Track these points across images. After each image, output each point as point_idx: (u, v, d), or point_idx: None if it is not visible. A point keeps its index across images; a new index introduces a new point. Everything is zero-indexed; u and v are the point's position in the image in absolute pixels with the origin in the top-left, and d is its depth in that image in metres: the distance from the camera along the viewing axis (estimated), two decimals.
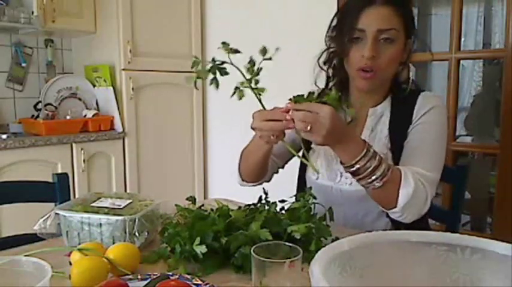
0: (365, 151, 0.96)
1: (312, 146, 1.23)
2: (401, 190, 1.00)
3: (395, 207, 1.02)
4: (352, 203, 1.16)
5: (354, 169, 0.97)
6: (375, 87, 1.14)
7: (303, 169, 1.28)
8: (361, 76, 1.09)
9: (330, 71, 1.21)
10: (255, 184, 1.26)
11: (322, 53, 1.19)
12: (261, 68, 0.95)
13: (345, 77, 1.19)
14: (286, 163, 1.31)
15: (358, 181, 1.00)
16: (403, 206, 1.00)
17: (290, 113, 0.93)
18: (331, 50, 1.18)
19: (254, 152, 1.16)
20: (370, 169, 0.96)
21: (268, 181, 1.28)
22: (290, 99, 0.96)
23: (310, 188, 1.04)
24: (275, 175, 1.32)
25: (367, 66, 1.07)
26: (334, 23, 1.16)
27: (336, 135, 0.93)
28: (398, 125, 1.14)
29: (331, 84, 1.23)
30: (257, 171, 1.21)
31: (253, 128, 1.00)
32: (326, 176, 1.19)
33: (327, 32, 1.18)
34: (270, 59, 0.92)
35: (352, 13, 1.09)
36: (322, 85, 1.23)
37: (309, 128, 0.90)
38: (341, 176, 1.17)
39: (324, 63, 1.20)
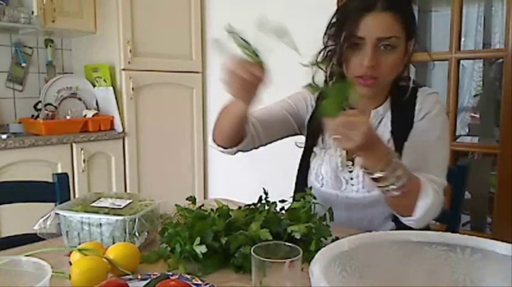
0: (391, 159, 0.94)
1: (315, 150, 1.21)
2: (420, 201, 0.99)
3: (411, 216, 1.01)
4: (358, 209, 1.14)
5: (377, 176, 0.94)
6: (378, 91, 1.12)
7: (302, 174, 1.24)
8: (361, 83, 1.06)
9: (328, 70, 1.18)
10: (226, 149, 1.15)
11: (321, 51, 1.17)
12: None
13: (344, 77, 1.15)
14: (271, 141, 1.23)
15: (377, 186, 0.98)
16: (420, 217, 1.00)
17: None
18: (329, 48, 1.15)
19: (229, 110, 1.07)
20: (393, 178, 0.94)
21: (244, 151, 1.18)
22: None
23: (311, 188, 1.04)
24: (275, 175, 1.31)
25: (368, 75, 1.04)
26: (332, 22, 1.14)
27: (367, 143, 0.89)
28: (400, 127, 1.13)
29: (330, 83, 1.19)
30: (230, 133, 1.11)
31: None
32: (331, 185, 1.16)
33: (326, 30, 1.16)
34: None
35: (351, 19, 1.04)
36: (319, 83, 1.21)
37: (343, 138, 0.88)
38: (347, 183, 1.15)
39: (322, 61, 1.17)
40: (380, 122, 1.16)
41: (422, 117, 1.11)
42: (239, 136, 1.12)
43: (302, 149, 1.26)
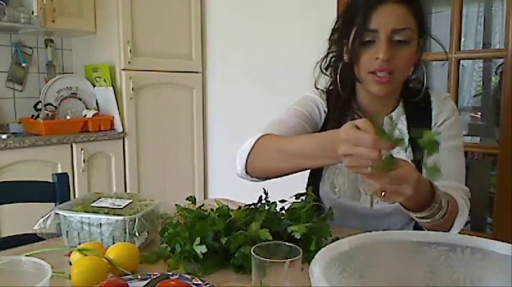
0: (435, 197, 0.87)
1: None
2: (457, 220, 0.96)
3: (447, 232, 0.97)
4: (376, 219, 1.11)
5: (421, 215, 0.89)
6: (392, 91, 1.07)
7: (313, 183, 1.16)
8: (376, 80, 1.01)
9: (333, 75, 1.13)
10: (258, 181, 1.07)
11: (324, 57, 1.13)
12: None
13: (351, 83, 1.11)
14: None
15: (418, 218, 0.91)
16: (455, 232, 0.97)
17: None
18: (333, 54, 1.11)
19: (293, 161, 0.95)
20: (437, 210, 0.89)
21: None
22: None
23: (311, 188, 1.04)
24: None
25: (383, 68, 0.99)
26: (337, 25, 1.09)
27: (415, 191, 0.81)
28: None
29: (337, 89, 1.14)
30: (277, 174, 1.01)
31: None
32: (349, 195, 1.12)
33: (330, 36, 1.11)
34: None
35: (362, 13, 0.99)
36: (322, 88, 1.18)
37: (392, 193, 0.79)
38: (366, 194, 1.10)
39: (326, 68, 1.13)
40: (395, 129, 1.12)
41: (441, 123, 1.08)
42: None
43: None
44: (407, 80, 1.11)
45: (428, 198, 0.87)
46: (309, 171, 1.21)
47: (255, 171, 1.03)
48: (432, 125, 1.09)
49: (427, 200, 0.87)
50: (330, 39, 1.12)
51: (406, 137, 1.07)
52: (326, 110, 1.16)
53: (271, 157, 0.99)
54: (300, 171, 0.99)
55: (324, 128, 1.14)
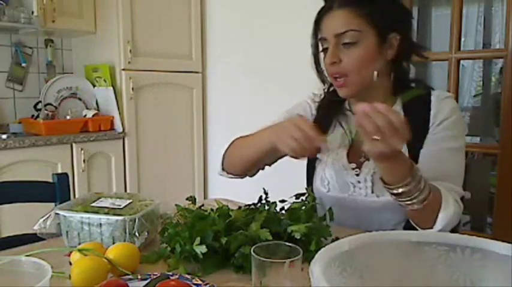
0: (416, 172, 0.90)
1: (318, 155, 1.18)
2: (441, 214, 0.96)
3: (431, 228, 0.98)
4: (367, 214, 1.11)
5: (398, 191, 0.91)
6: (357, 92, 1.08)
7: (309, 180, 1.22)
8: (336, 85, 1.08)
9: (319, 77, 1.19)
10: (235, 177, 1.20)
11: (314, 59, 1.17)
12: None
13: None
14: (275, 161, 1.23)
15: (397, 200, 0.94)
16: (440, 229, 0.97)
17: (361, 110, 0.81)
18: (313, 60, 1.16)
19: (252, 148, 1.09)
20: (416, 192, 0.91)
21: (251, 176, 1.22)
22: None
23: (311, 188, 1.04)
24: (275, 175, 1.31)
25: (334, 72, 1.06)
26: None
27: (397, 152, 0.85)
28: (415, 132, 1.08)
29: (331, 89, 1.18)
30: (247, 167, 1.15)
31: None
32: (338, 188, 1.13)
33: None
34: None
35: (316, 24, 1.09)
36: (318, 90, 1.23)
37: (382, 140, 0.81)
38: (354, 187, 1.12)
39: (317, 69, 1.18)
40: None
41: (439, 123, 1.07)
42: (254, 168, 1.15)
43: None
44: (400, 78, 1.12)
45: (406, 173, 0.90)
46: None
47: (229, 167, 1.19)
48: (430, 124, 1.08)
49: (405, 175, 0.89)
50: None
51: None
52: (314, 113, 1.23)
53: (238, 149, 1.16)
54: (260, 158, 1.10)
55: None
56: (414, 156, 1.06)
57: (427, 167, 1.03)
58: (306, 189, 1.02)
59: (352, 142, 1.14)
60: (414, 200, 0.91)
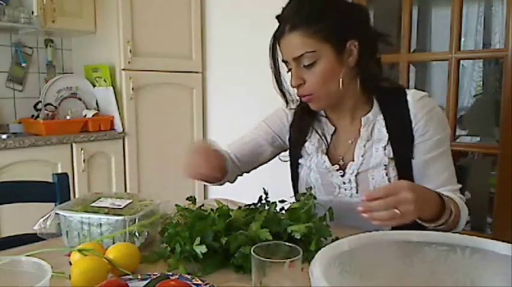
0: (445, 208, 0.93)
1: (300, 161, 1.19)
2: (462, 220, 1.00)
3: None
4: (355, 215, 1.12)
5: (439, 223, 0.94)
6: (327, 105, 1.12)
7: (294, 186, 1.24)
8: (305, 101, 1.10)
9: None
10: (214, 184, 1.21)
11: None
12: None
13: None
14: (255, 166, 1.27)
15: (434, 229, 0.95)
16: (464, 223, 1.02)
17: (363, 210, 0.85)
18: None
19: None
20: (449, 220, 0.94)
21: (231, 182, 1.25)
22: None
23: (311, 188, 1.04)
24: (275, 175, 1.31)
25: (300, 94, 1.09)
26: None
27: (420, 204, 0.85)
28: (397, 133, 1.09)
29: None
30: (210, 178, 1.12)
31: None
32: (323, 191, 1.15)
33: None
34: None
35: (273, 46, 1.12)
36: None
37: (397, 212, 0.82)
38: (339, 188, 1.13)
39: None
40: (373, 128, 1.12)
41: (421, 124, 1.07)
42: (218, 176, 1.12)
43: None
44: (372, 79, 1.11)
45: (438, 204, 0.92)
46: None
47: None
48: (413, 125, 1.08)
49: (438, 209, 0.92)
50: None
51: (386, 137, 1.09)
52: (291, 119, 1.24)
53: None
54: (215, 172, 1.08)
55: (290, 135, 1.23)
56: (404, 163, 1.08)
57: (426, 178, 1.07)
58: (306, 189, 1.03)
59: (328, 146, 1.16)
60: (449, 221, 0.95)
